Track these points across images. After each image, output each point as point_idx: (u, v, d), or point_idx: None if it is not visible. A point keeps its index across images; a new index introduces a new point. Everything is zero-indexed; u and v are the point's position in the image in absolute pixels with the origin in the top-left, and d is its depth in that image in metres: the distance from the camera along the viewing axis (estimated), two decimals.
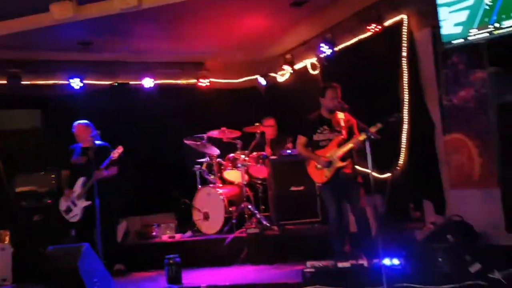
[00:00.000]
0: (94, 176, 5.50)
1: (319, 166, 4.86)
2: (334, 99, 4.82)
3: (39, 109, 6.89)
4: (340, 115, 4.89)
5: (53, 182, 6.37)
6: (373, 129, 4.33)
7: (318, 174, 4.90)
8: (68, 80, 6.84)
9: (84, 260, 4.45)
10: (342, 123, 4.85)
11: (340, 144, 4.80)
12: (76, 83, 6.84)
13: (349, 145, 4.72)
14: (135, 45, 6.85)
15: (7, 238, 6.17)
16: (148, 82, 7.37)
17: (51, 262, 4.56)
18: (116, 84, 7.33)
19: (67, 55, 6.82)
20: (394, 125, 4.69)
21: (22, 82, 6.55)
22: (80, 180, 5.70)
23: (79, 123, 5.91)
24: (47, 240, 5.34)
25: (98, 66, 7.18)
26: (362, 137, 4.46)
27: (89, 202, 5.56)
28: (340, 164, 4.77)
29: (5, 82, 6.53)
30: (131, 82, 7.45)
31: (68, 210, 5.76)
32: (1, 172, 6.33)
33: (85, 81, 6.96)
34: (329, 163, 4.79)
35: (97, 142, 5.81)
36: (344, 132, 4.83)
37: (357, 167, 4.98)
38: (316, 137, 4.93)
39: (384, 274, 3.84)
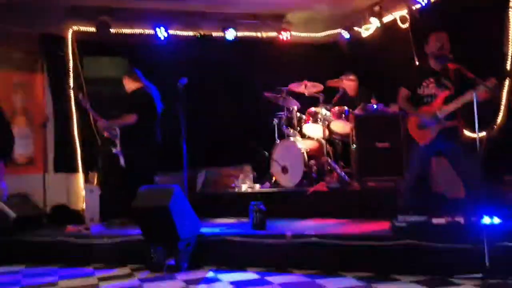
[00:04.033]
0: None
1: (421, 124, 4.42)
2: (437, 43, 4.31)
3: (127, 58, 7.02)
4: (450, 66, 4.36)
5: None
6: (489, 85, 3.90)
7: (421, 134, 4.43)
8: (155, 29, 6.90)
9: (175, 201, 4.55)
10: (451, 76, 4.35)
11: (447, 100, 4.30)
12: (162, 33, 6.89)
13: (461, 101, 4.17)
14: None
15: (95, 180, 6.46)
16: (231, 34, 7.31)
17: (142, 201, 4.71)
18: (199, 35, 7.34)
19: (153, 4, 6.84)
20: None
21: (112, 31, 6.69)
22: None
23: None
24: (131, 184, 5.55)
25: (182, 16, 7.17)
26: (480, 91, 3.92)
27: (115, 151, 5.64)
28: (447, 123, 4.32)
29: (94, 29, 6.71)
30: (213, 34, 7.44)
31: None
32: (90, 119, 6.55)
33: (169, 31, 7.01)
34: (433, 122, 4.33)
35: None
36: (452, 86, 4.34)
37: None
38: (420, 90, 4.45)
39: (484, 232, 3.67)
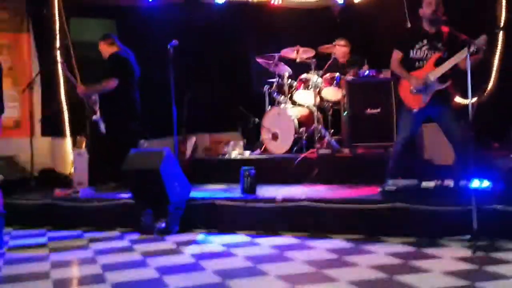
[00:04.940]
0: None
1: (413, 90, 4.32)
2: (431, 5, 4.23)
3: (114, 19, 6.85)
4: (443, 29, 4.30)
5: None
6: (480, 42, 3.84)
7: (414, 99, 4.34)
8: None
9: (165, 164, 4.52)
10: (444, 38, 4.27)
11: (438, 63, 4.24)
12: None
13: (452, 63, 4.13)
14: None
15: (83, 144, 6.39)
16: None
17: (133, 163, 4.67)
18: None
19: None
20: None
21: None
22: None
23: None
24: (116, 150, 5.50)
25: None
26: (470, 50, 3.80)
27: (95, 118, 5.63)
28: (440, 86, 4.23)
29: None
30: None
31: None
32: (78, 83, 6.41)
33: None
34: (425, 87, 4.25)
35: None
36: (444, 49, 4.27)
37: None
38: (412, 53, 4.37)
39: (473, 195, 3.70)
